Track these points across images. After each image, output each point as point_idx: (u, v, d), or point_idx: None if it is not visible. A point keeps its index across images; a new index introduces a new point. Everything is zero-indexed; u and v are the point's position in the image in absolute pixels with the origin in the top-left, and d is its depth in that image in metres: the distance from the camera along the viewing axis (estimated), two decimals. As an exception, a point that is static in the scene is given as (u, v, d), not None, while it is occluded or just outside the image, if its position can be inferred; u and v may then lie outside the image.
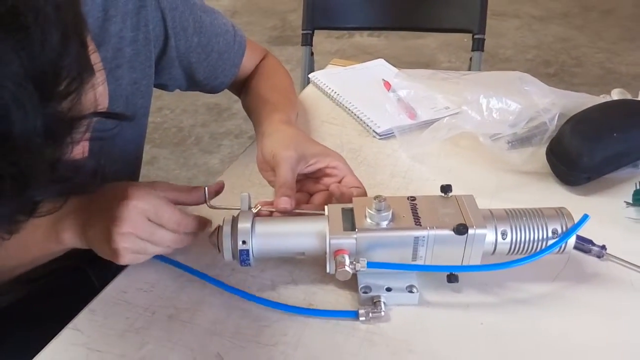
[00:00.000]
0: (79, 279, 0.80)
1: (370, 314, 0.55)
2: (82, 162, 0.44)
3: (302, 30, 1.52)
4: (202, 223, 0.59)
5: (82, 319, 0.57)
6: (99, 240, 0.55)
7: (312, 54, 1.51)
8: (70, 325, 0.56)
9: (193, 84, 0.81)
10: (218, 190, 0.63)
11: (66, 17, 0.37)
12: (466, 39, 1.50)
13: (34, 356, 0.53)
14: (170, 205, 0.56)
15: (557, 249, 0.56)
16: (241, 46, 0.82)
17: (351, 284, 0.59)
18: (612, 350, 0.53)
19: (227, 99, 2.70)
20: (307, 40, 1.51)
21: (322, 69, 1.06)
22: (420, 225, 0.55)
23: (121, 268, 0.63)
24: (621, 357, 0.53)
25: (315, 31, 1.51)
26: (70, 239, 0.57)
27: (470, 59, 1.47)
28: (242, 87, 0.87)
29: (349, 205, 0.59)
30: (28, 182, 0.37)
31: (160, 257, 0.61)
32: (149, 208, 0.54)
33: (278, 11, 3.60)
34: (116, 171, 0.80)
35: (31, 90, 0.35)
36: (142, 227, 0.54)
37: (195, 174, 2.24)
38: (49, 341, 0.54)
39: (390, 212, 0.56)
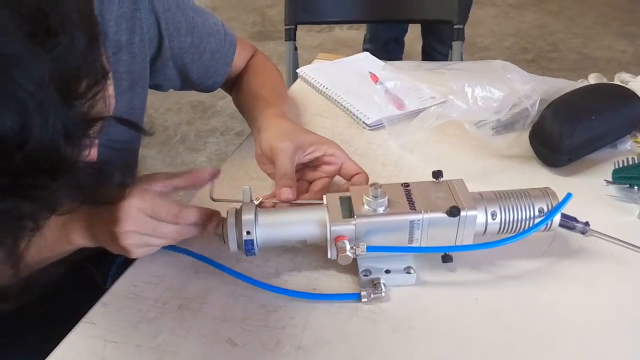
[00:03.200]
0: (81, 276, 0.82)
1: (372, 295, 0.59)
2: (103, 170, 0.46)
3: (285, 25, 1.54)
4: (208, 214, 0.61)
5: (96, 312, 0.59)
6: (107, 239, 0.57)
7: (295, 48, 1.53)
8: (84, 319, 0.58)
9: (187, 83, 0.83)
10: (214, 174, 0.65)
11: (88, 22, 0.39)
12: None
13: (47, 355, 0.55)
14: (166, 200, 0.58)
15: (544, 227, 0.60)
16: (232, 45, 0.84)
17: (351, 268, 0.62)
18: (597, 317, 0.57)
19: (211, 96, 2.70)
20: (291, 35, 1.52)
21: (306, 63, 1.08)
22: (415, 210, 0.58)
23: (124, 263, 0.66)
24: (606, 323, 0.56)
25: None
26: (80, 239, 0.59)
27: (451, 49, 1.50)
28: (233, 84, 0.89)
29: (347, 194, 0.62)
30: (51, 182, 0.39)
31: (172, 248, 0.63)
32: (146, 205, 0.56)
33: (257, 7, 3.61)
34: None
35: (53, 93, 0.36)
36: (142, 224, 0.56)
37: (182, 172, 2.24)
38: (62, 339, 0.56)
39: (386, 198, 0.59)
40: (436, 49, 2.17)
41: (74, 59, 0.37)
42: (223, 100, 2.67)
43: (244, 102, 0.84)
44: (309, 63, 1.08)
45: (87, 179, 0.42)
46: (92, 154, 0.46)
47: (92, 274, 0.83)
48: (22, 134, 0.36)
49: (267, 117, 0.74)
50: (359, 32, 3.10)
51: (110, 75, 0.46)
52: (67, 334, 0.57)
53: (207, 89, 0.86)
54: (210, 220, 0.61)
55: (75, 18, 0.37)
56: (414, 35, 2.36)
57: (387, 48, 2.22)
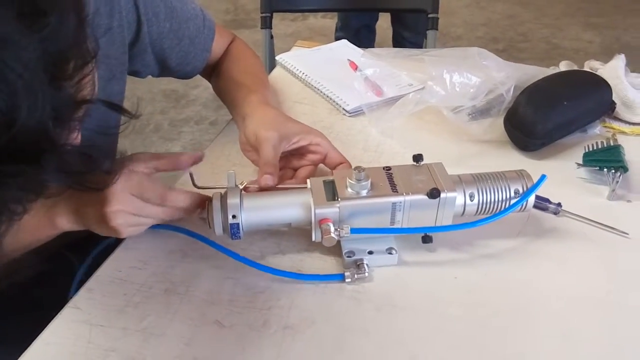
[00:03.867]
0: (59, 265, 0.82)
1: (355, 276, 0.60)
2: (89, 154, 0.46)
3: (261, 13, 1.54)
4: (195, 199, 0.62)
5: (81, 297, 0.59)
6: (95, 221, 0.57)
7: (272, 36, 1.53)
8: (69, 304, 0.58)
9: (165, 70, 0.82)
10: (197, 159, 0.66)
11: (76, 2, 0.39)
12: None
13: (31, 341, 0.55)
14: (151, 182, 0.59)
15: (519, 207, 0.62)
16: (211, 30, 0.84)
17: (334, 250, 0.63)
18: (570, 292, 0.60)
19: (184, 85, 2.68)
20: (267, 23, 1.52)
21: (281, 51, 1.08)
22: (397, 192, 0.60)
23: (102, 252, 0.66)
24: (578, 298, 0.59)
25: (271, 14, 1.52)
26: (64, 222, 0.59)
27: (425, 37, 1.53)
28: (212, 71, 0.89)
29: (330, 178, 0.63)
30: (39, 164, 0.39)
31: (162, 226, 0.64)
32: (132, 185, 0.57)
33: (230, -6, 3.57)
34: None
35: (41, 74, 0.36)
36: (130, 204, 0.57)
37: (157, 162, 2.22)
38: (43, 327, 0.56)
39: (369, 181, 0.60)
40: (406, 37, 2.19)
41: (62, 39, 0.37)
42: (197, 89, 2.64)
43: (225, 89, 0.84)
44: (284, 51, 1.08)
45: (74, 162, 0.42)
46: (77, 137, 0.46)
47: (71, 262, 0.83)
48: (9, 115, 0.35)
49: (251, 104, 0.75)
50: (333, 21, 3.10)
51: (97, 58, 0.46)
52: (47, 322, 0.57)
53: (186, 76, 0.86)
54: (198, 206, 0.61)
55: None
56: (387, 25, 2.38)
57: (358, 36, 2.23)
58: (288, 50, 1.10)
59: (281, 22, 3.11)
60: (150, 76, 0.84)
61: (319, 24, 3.25)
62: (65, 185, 0.45)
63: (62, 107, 0.39)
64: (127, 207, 0.57)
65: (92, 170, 0.46)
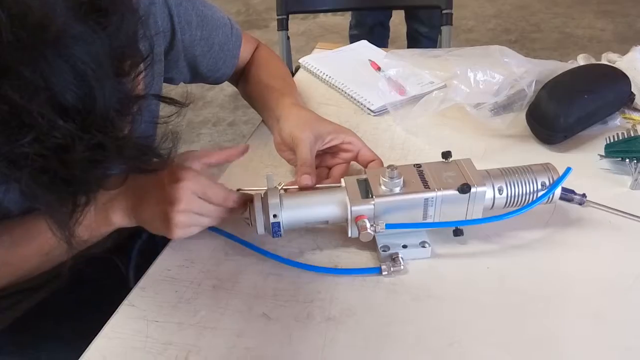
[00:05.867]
0: (105, 268, 0.86)
1: (392, 268, 0.63)
2: (149, 142, 0.49)
3: (277, 15, 1.57)
4: (244, 199, 0.65)
5: (135, 295, 0.63)
6: (153, 218, 0.61)
7: (288, 37, 1.56)
8: (125, 301, 0.62)
9: (197, 76, 0.86)
10: (244, 150, 0.70)
11: (131, 3, 0.43)
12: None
13: (83, 343, 0.58)
14: (215, 184, 0.63)
15: (547, 199, 0.65)
16: (238, 38, 0.88)
17: (369, 245, 0.67)
18: (598, 277, 0.62)
19: (200, 87, 2.72)
20: (283, 25, 1.55)
21: (294, 51, 1.11)
22: (429, 188, 0.63)
23: (143, 252, 0.69)
24: (607, 282, 0.62)
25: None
26: (120, 219, 0.63)
27: (440, 33, 1.55)
28: (240, 77, 0.93)
29: (363, 176, 0.66)
30: (103, 153, 0.42)
31: (212, 229, 0.68)
32: (199, 188, 0.61)
33: (241, -4, 3.61)
34: None
35: (108, 68, 0.40)
36: (195, 204, 0.61)
37: (178, 164, 2.27)
38: (96, 327, 0.60)
39: (402, 179, 0.63)
40: (421, 32, 2.21)
41: (123, 37, 0.41)
42: (212, 90, 2.68)
43: (255, 94, 0.88)
44: (298, 50, 1.11)
45: (132, 152, 0.46)
46: (135, 129, 0.50)
47: (116, 265, 0.87)
48: (86, 105, 0.39)
49: (285, 106, 0.78)
50: (343, 18, 3.13)
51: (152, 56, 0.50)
52: (100, 322, 0.60)
53: (216, 82, 0.90)
54: (246, 204, 0.65)
55: None
56: (399, 20, 2.40)
57: (373, 33, 2.26)
58: (302, 49, 1.13)
59: (292, 21, 3.11)
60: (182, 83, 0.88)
61: (330, 21, 3.27)
62: (124, 174, 0.49)
63: (123, 101, 0.43)
64: (193, 207, 0.61)
65: (150, 158, 0.50)
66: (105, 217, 0.62)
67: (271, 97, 0.82)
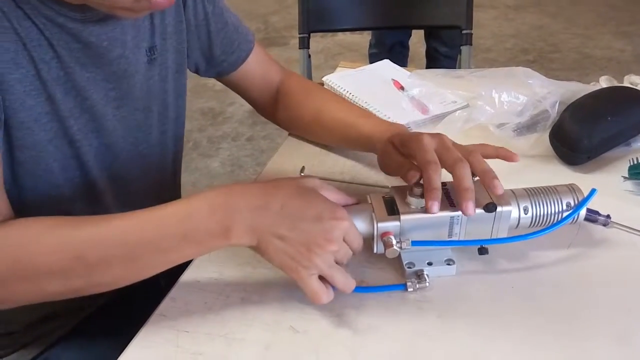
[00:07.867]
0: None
1: (417, 285, 0.64)
2: None
3: (299, 34, 1.59)
4: None
5: (165, 306, 0.64)
6: (285, 252, 0.58)
7: (309, 56, 1.59)
8: (156, 311, 0.64)
9: (211, 59, 0.85)
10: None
11: None
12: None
13: (119, 350, 0.59)
14: (356, 229, 0.62)
15: (572, 220, 0.66)
16: (249, 31, 0.88)
17: (394, 262, 0.68)
18: (624, 297, 0.63)
19: (220, 102, 2.77)
20: (304, 44, 1.58)
21: (313, 68, 1.13)
22: (455, 207, 0.64)
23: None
24: (629, 305, 0.62)
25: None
26: (240, 235, 0.58)
27: (460, 53, 1.57)
28: (276, 105, 0.92)
29: (389, 194, 0.67)
30: None
31: None
32: (348, 230, 0.60)
33: (259, 14, 3.67)
34: (160, 169, 0.87)
35: None
36: (341, 248, 0.59)
37: (197, 178, 2.30)
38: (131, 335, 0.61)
39: (428, 196, 0.64)
40: (440, 51, 2.23)
41: None
42: (232, 106, 2.73)
43: (334, 128, 0.85)
44: (316, 68, 1.13)
45: None
46: None
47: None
48: None
49: (380, 125, 0.79)
50: (362, 37, 3.17)
51: None
52: (134, 330, 0.62)
53: (231, 67, 0.87)
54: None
55: None
56: (417, 39, 2.42)
57: (392, 52, 2.29)
58: (320, 66, 1.16)
59: (311, 39, 3.19)
60: (196, 74, 0.87)
61: (348, 40, 3.31)
62: None
63: None
64: (339, 250, 0.59)
65: None
66: (224, 231, 0.58)
67: (358, 128, 0.80)
